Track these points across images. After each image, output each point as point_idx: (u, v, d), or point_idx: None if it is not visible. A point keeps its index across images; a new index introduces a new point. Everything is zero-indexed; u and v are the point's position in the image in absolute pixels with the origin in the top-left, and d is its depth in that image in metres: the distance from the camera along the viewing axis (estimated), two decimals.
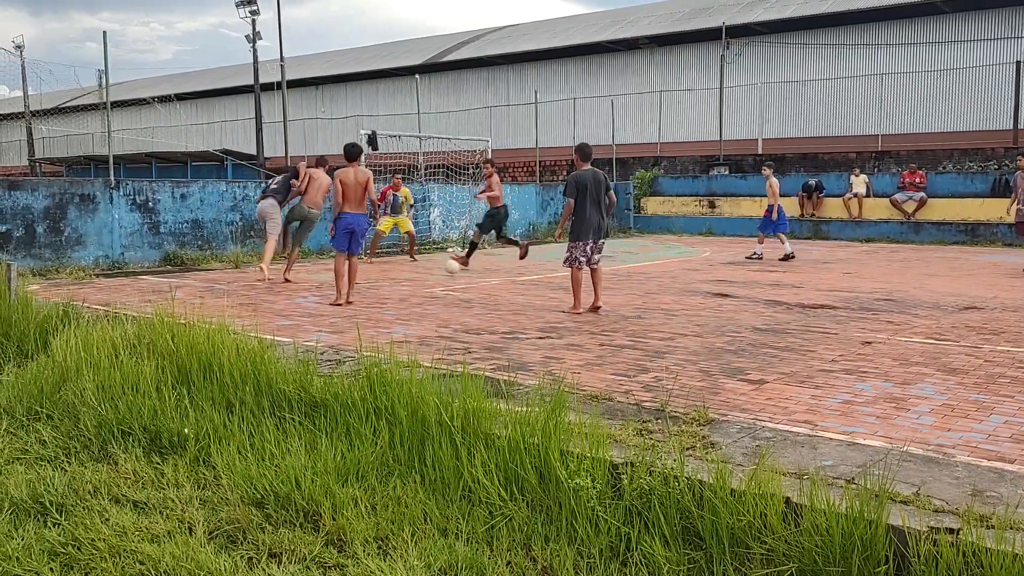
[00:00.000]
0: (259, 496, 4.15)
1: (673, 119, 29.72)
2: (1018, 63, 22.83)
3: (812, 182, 22.40)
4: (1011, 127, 22.69)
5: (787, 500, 3.61)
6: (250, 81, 30.71)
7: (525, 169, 29.92)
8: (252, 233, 16.13)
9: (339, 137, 37.73)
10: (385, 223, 15.97)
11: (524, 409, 4.47)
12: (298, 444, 4.63)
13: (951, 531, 3.30)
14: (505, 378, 5.52)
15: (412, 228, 16.53)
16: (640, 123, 30.62)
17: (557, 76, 33.88)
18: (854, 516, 3.35)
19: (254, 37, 28.13)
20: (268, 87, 33.27)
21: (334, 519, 3.90)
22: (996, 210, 19.35)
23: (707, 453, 4.24)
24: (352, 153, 10.20)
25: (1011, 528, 3.28)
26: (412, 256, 16.60)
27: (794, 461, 4.17)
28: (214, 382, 5.47)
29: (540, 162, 28.97)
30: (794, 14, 28.07)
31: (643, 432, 4.62)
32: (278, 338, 7.32)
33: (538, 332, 8.00)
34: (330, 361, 6.48)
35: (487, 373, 5.88)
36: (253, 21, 27.81)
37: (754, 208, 22.96)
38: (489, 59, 35.46)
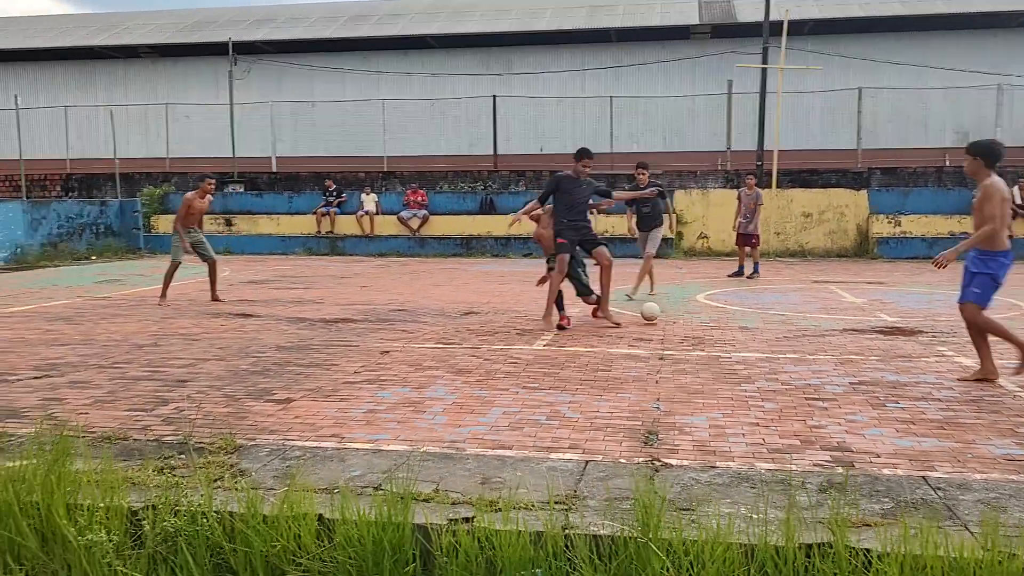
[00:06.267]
0: None
1: (182, 134, 28.39)
2: (494, 97, 26.23)
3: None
4: (492, 152, 25.98)
5: (320, 517, 3.64)
6: None
7: (8, 183, 26.17)
8: None
9: None
10: None
11: (18, 463, 3.86)
12: None
13: (467, 520, 3.62)
14: None
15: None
16: (146, 137, 28.67)
17: (44, 81, 30.18)
18: (383, 522, 3.50)
19: None
20: None
21: None
22: (484, 225, 21.98)
23: (236, 482, 4.09)
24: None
25: (514, 508, 3.71)
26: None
27: (324, 477, 4.23)
28: None
29: (27, 176, 25.59)
30: (302, 36, 28.79)
31: (165, 470, 4.30)
32: None
33: (33, 371, 7.00)
34: None
35: None
36: None
37: (271, 226, 23.00)
38: None
